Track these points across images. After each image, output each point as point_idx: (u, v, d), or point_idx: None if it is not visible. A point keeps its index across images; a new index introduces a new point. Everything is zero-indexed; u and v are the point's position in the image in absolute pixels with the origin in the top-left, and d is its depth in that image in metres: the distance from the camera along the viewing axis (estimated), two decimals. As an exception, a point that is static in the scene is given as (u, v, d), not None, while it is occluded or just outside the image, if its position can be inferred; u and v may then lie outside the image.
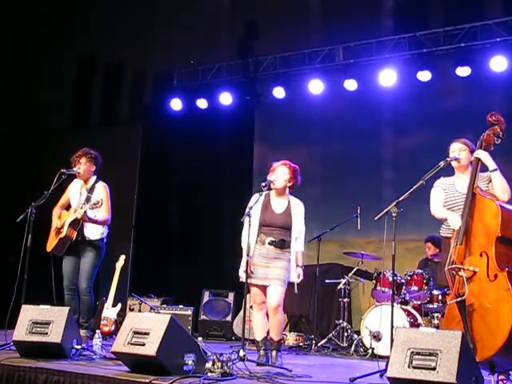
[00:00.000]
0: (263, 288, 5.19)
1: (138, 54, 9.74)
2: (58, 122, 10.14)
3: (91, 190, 5.99)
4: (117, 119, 10.18)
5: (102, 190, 5.97)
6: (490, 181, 4.59)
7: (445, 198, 4.73)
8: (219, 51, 9.41)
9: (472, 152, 4.68)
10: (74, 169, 5.94)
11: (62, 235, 5.82)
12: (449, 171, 4.84)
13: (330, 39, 8.61)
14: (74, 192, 6.07)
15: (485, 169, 4.59)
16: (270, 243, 5.20)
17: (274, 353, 5.18)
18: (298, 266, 5.23)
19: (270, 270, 5.14)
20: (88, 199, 5.88)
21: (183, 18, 9.42)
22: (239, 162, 9.45)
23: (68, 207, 6.11)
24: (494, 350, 3.90)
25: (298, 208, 5.32)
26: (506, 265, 4.09)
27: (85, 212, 5.69)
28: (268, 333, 5.23)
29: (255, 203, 5.16)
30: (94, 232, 5.89)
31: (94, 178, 6.06)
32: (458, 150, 4.74)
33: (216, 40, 9.31)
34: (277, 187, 5.28)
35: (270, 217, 5.27)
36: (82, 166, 5.97)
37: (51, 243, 5.96)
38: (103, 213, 5.86)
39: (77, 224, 5.81)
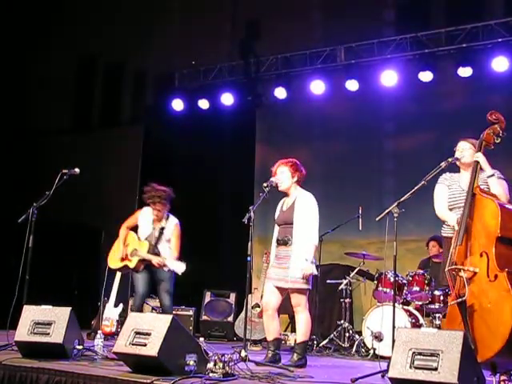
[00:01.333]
0: (277, 289, 5.16)
1: (139, 54, 9.73)
2: (59, 123, 10.13)
3: (164, 227, 6.16)
4: (118, 120, 10.18)
5: (174, 229, 6.15)
6: None
7: (448, 195, 4.71)
8: (221, 52, 9.41)
9: None
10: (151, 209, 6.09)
11: (129, 265, 6.04)
12: (454, 168, 4.81)
13: (332, 40, 8.60)
14: (145, 221, 6.19)
15: None
16: (276, 242, 5.25)
17: (294, 356, 5.10)
18: (306, 260, 5.00)
19: (282, 270, 5.10)
20: (161, 233, 6.09)
21: (184, 19, 9.42)
22: (241, 163, 9.44)
23: (132, 228, 6.25)
24: (494, 351, 3.90)
25: (300, 201, 5.21)
26: (506, 265, 4.07)
27: (163, 263, 5.89)
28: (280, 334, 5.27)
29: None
30: None
31: (166, 214, 6.21)
32: (461, 148, 4.71)
33: (217, 40, 9.31)
34: (283, 188, 5.28)
35: (278, 216, 5.33)
36: (162, 207, 6.10)
37: (115, 263, 6.18)
38: (173, 251, 6.06)
39: (147, 261, 6.00)
